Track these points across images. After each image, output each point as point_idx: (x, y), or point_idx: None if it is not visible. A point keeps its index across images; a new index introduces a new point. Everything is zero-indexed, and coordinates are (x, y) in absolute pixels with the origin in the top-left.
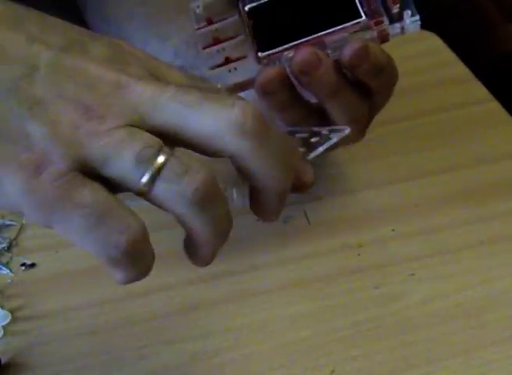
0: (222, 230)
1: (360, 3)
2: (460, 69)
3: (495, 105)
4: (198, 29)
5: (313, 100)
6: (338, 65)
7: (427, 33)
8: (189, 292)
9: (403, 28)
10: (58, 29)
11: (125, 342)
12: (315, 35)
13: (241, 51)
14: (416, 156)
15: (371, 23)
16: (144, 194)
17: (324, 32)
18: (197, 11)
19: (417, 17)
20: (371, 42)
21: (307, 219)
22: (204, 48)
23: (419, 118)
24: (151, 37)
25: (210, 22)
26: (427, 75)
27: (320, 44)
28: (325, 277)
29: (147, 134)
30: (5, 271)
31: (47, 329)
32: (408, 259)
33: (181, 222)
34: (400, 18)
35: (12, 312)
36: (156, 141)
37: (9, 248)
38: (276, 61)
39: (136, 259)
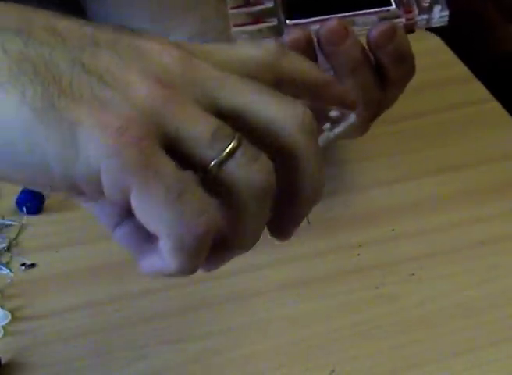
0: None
1: None
2: (460, 69)
3: (495, 105)
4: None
5: None
6: (362, 44)
7: (427, 34)
8: (189, 292)
9: (428, 20)
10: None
11: (125, 342)
12: (345, 14)
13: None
14: (416, 156)
15: (401, 11)
16: (209, 173)
17: (354, 12)
18: None
19: (447, 12)
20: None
21: (307, 219)
22: (232, 8)
23: (419, 118)
24: (154, 30)
25: None
26: (427, 75)
27: (348, 23)
28: (325, 277)
29: (220, 120)
30: (5, 271)
31: (47, 329)
32: (408, 259)
33: (235, 207)
34: (429, 12)
35: (12, 312)
36: (227, 124)
37: (9, 248)
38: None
39: (202, 249)
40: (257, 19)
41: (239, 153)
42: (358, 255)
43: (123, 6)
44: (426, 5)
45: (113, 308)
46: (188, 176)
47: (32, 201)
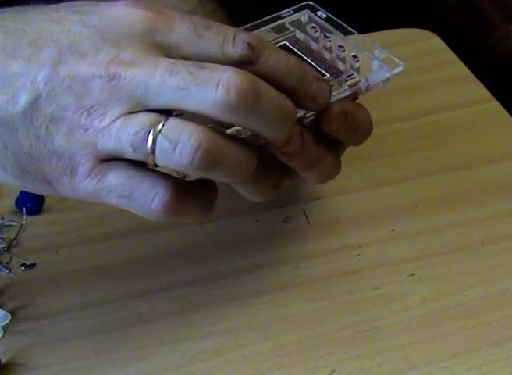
0: (240, 176)
1: (316, 63)
2: (460, 69)
3: (495, 105)
4: None
5: None
6: (317, 133)
7: (427, 33)
8: (189, 292)
9: (368, 84)
10: (48, 33)
11: (125, 342)
12: None
13: None
14: (416, 156)
15: (343, 77)
16: (154, 166)
17: None
18: None
19: (386, 68)
20: (342, 101)
21: (307, 219)
22: None
23: (419, 118)
24: None
25: None
26: (427, 75)
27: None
28: (325, 277)
29: (139, 118)
30: (5, 271)
31: (47, 329)
32: (408, 259)
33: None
34: (369, 72)
35: (12, 312)
36: (145, 121)
37: (9, 248)
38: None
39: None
40: None
41: (157, 151)
42: (358, 255)
43: None
44: (357, 65)
45: (113, 308)
46: (132, 175)
47: (32, 202)
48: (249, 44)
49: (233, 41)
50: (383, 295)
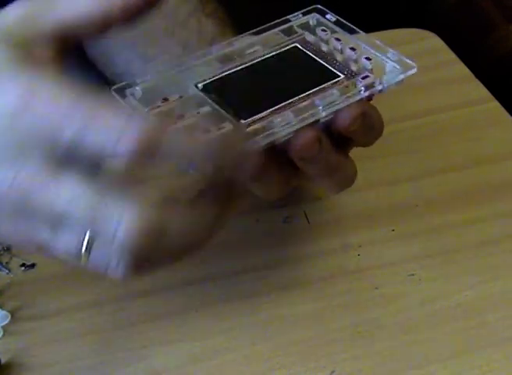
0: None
1: (328, 65)
2: (460, 69)
3: (495, 105)
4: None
5: None
6: (335, 140)
7: (427, 33)
8: (189, 292)
9: (383, 85)
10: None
11: (125, 342)
12: (303, 95)
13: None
14: (416, 156)
15: (358, 78)
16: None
17: (308, 92)
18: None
19: (400, 70)
20: (360, 102)
21: (307, 219)
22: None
23: (419, 118)
24: (136, 57)
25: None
26: (427, 75)
27: (308, 108)
28: (325, 277)
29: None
30: (5, 271)
31: (47, 329)
32: (408, 259)
33: None
34: (383, 73)
35: (12, 312)
36: (74, 242)
37: (9, 248)
38: (264, 128)
39: None
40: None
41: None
42: (358, 255)
43: (113, 40)
44: (370, 66)
45: (113, 308)
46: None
47: None
48: (139, 140)
49: (119, 141)
50: (383, 295)
